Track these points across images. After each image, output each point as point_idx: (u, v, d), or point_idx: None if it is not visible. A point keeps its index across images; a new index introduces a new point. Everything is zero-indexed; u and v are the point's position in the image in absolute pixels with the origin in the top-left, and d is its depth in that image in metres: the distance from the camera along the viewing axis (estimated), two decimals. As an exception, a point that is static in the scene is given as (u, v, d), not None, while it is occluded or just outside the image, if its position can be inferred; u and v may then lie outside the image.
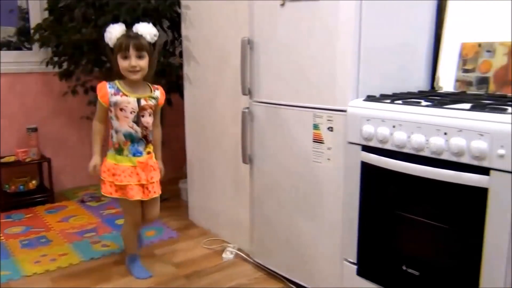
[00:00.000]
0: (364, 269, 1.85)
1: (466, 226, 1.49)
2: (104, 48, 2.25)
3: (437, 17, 2.12)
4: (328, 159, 1.95)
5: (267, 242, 2.36)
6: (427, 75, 2.14)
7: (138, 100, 2.17)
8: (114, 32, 2.13)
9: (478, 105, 1.53)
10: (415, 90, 2.03)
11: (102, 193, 2.22)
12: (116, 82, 2.16)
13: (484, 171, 1.41)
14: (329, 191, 1.97)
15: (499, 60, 1.90)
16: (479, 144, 1.40)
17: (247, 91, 2.30)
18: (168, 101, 3.47)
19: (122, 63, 2.12)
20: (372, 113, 1.73)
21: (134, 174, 2.19)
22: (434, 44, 2.13)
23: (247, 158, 2.38)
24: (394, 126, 1.65)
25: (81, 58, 3.18)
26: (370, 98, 1.81)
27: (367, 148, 1.75)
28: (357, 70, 1.83)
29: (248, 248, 2.55)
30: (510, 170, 1.36)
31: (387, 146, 1.68)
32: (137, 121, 2.18)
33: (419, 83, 2.11)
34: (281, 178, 2.20)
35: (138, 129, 2.19)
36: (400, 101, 1.72)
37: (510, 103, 1.56)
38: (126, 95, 2.14)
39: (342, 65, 1.85)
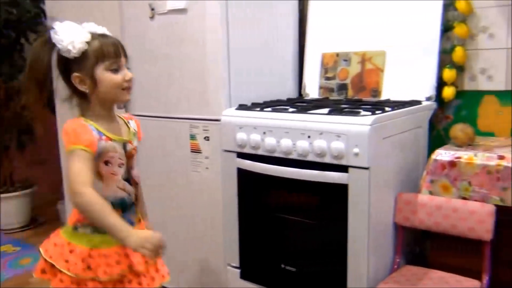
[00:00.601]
0: (246, 272, 1.91)
1: (332, 221, 1.62)
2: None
3: (299, 29, 2.28)
4: (207, 168, 1.99)
5: (152, 256, 2.32)
6: (295, 83, 2.29)
7: (124, 144, 1.38)
8: (79, 32, 1.28)
9: (336, 109, 1.68)
10: (284, 97, 2.16)
11: None
12: (87, 118, 1.32)
13: (343, 169, 1.55)
14: (209, 200, 2.01)
15: (354, 68, 2.10)
16: (337, 145, 1.54)
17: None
18: (39, 118, 3.27)
19: (112, 78, 1.31)
20: (244, 121, 1.80)
21: (123, 258, 1.33)
22: (299, 54, 2.29)
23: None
24: (264, 133, 1.74)
25: None
26: (242, 107, 1.88)
27: (241, 155, 1.82)
28: (228, 80, 1.91)
29: (134, 265, 2.49)
30: (364, 166, 1.51)
31: (260, 152, 1.77)
32: (127, 177, 1.38)
33: (288, 90, 2.25)
34: (162, 190, 2.18)
35: (131, 189, 1.39)
36: (269, 109, 1.82)
37: (363, 106, 1.74)
38: (111, 139, 1.33)
39: (214, 76, 1.91)
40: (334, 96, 2.15)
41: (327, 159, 1.58)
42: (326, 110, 1.69)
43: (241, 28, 1.93)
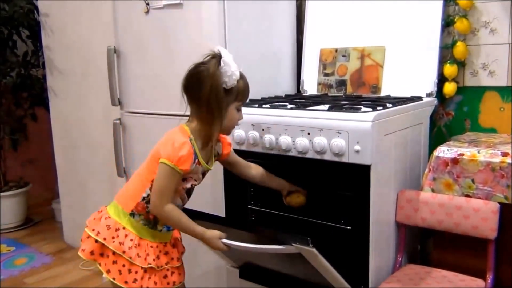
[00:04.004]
0: (245, 271, 1.88)
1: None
2: None
3: (297, 25, 2.25)
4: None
5: (149, 256, 2.29)
6: (292, 79, 2.25)
7: (203, 171, 1.50)
8: (234, 67, 1.38)
9: (336, 105, 1.65)
10: (282, 94, 2.13)
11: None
12: (192, 135, 1.41)
13: (343, 167, 1.52)
14: (209, 198, 1.97)
15: (354, 64, 2.07)
16: (338, 142, 1.51)
17: (117, 102, 2.22)
18: (32, 116, 3.23)
19: (236, 117, 1.45)
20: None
21: (162, 253, 1.48)
22: (297, 50, 2.25)
23: (121, 171, 2.28)
24: (263, 130, 1.71)
25: None
26: (239, 104, 1.85)
27: (240, 153, 1.79)
28: (225, 76, 1.87)
29: (130, 265, 2.45)
30: (366, 163, 1.48)
31: (258, 149, 1.73)
32: (190, 189, 1.51)
33: (286, 87, 2.21)
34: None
35: (186, 199, 1.52)
36: (267, 105, 1.79)
37: (364, 102, 1.71)
38: (200, 164, 1.44)
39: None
40: (333, 93, 2.12)
41: (328, 156, 1.55)
42: (325, 107, 1.66)
43: (237, 23, 1.89)
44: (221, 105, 1.37)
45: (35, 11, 2.87)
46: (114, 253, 1.39)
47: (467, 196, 1.56)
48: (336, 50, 2.12)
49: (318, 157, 1.57)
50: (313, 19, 2.21)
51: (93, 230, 1.41)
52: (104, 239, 1.39)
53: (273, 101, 1.87)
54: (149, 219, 1.44)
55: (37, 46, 3.13)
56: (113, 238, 1.39)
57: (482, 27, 1.89)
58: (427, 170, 1.65)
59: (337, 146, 1.51)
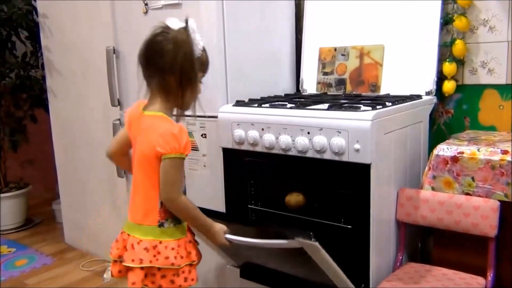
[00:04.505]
0: (246, 271, 1.88)
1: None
2: None
3: (296, 24, 2.25)
4: (204, 165, 1.96)
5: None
6: (292, 78, 2.25)
7: None
8: (199, 36, 1.35)
9: (335, 104, 1.65)
10: (281, 93, 2.13)
11: None
12: (177, 121, 1.41)
13: (343, 165, 1.52)
14: (208, 198, 1.97)
15: (353, 63, 2.07)
16: (338, 141, 1.51)
17: (117, 102, 2.21)
18: (32, 117, 3.23)
19: (199, 88, 1.41)
20: (241, 117, 1.76)
21: (192, 243, 1.48)
22: (296, 49, 2.25)
23: (121, 172, 2.28)
24: (263, 129, 1.71)
25: None
26: (239, 103, 1.85)
27: (240, 152, 1.79)
28: (225, 75, 1.87)
29: (131, 265, 2.45)
30: (366, 162, 1.48)
31: (258, 149, 1.73)
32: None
33: (286, 86, 2.21)
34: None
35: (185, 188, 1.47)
36: (267, 105, 1.79)
37: (363, 101, 1.71)
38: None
39: (210, 71, 1.84)
40: (332, 91, 2.12)
41: (328, 156, 1.55)
42: (325, 106, 1.66)
43: (236, 23, 1.89)
44: (196, 73, 1.34)
45: (34, 12, 2.87)
46: (159, 268, 1.35)
47: (467, 194, 1.57)
48: (335, 49, 2.12)
49: (318, 156, 1.57)
50: (312, 18, 2.21)
51: (133, 260, 1.34)
52: (150, 261, 1.34)
53: (273, 101, 1.87)
54: (175, 217, 1.39)
55: (36, 47, 3.13)
56: (155, 256, 1.34)
57: (481, 25, 1.89)
58: (427, 168, 1.65)
59: (337, 145, 1.51)
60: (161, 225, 1.37)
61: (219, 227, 1.42)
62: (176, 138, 1.30)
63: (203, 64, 1.39)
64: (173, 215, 1.39)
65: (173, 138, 1.30)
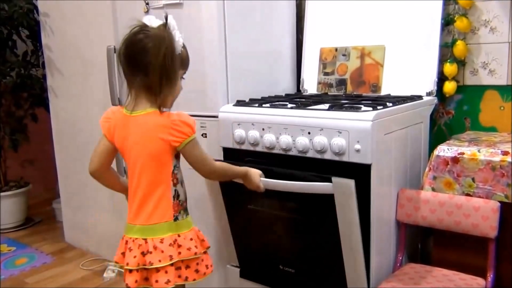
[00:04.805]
0: (246, 271, 1.89)
1: (331, 219, 1.59)
2: None
3: (297, 24, 2.25)
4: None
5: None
6: (293, 78, 2.25)
7: None
8: (178, 33, 1.36)
9: (336, 105, 1.65)
10: (282, 93, 2.12)
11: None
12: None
13: (338, 171, 1.50)
14: (208, 198, 1.97)
15: (354, 63, 2.07)
16: (339, 141, 1.51)
17: (117, 101, 2.21)
18: (33, 116, 3.23)
19: (180, 85, 1.42)
20: (242, 117, 1.77)
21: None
22: (297, 49, 2.25)
23: (122, 171, 2.28)
24: (263, 129, 1.71)
25: None
26: (239, 103, 1.85)
27: (240, 152, 1.79)
28: (225, 75, 1.87)
29: (131, 264, 2.45)
30: (366, 163, 1.48)
31: (259, 149, 1.73)
32: None
33: (286, 86, 2.21)
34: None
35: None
36: (268, 105, 1.79)
37: (364, 102, 1.71)
38: None
39: (211, 71, 1.87)
40: (333, 92, 2.12)
41: (328, 156, 1.55)
42: (326, 106, 1.66)
43: (237, 23, 1.89)
44: (176, 70, 1.34)
45: (35, 11, 2.86)
46: (182, 260, 1.37)
47: (468, 195, 1.56)
48: (336, 49, 2.12)
49: (318, 156, 1.57)
50: (313, 18, 2.21)
51: (160, 261, 1.33)
52: (179, 253, 1.36)
53: (273, 101, 1.87)
54: (185, 208, 1.44)
55: (36, 46, 3.13)
56: (177, 250, 1.36)
57: (482, 26, 1.89)
58: (427, 169, 1.65)
59: (337, 145, 1.51)
60: (176, 219, 1.39)
61: (254, 171, 1.54)
62: (184, 123, 1.33)
63: (183, 61, 1.39)
64: (184, 207, 1.43)
65: (182, 124, 1.32)
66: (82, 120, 2.61)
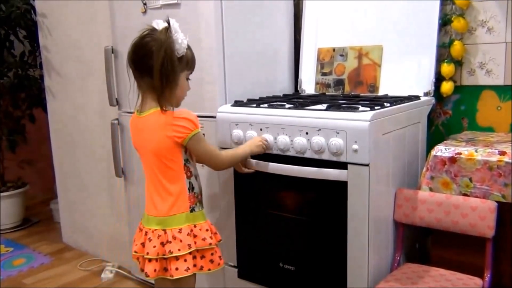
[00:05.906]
0: (244, 271, 1.88)
1: (331, 219, 1.60)
2: None
3: (295, 24, 2.25)
4: (202, 166, 1.95)
5: (147, 256, 2.29)
6: (290, 79, 2.25)
7: None
8: (182, 36, 1.42)
9: (334, 105, 1.65)
10: (280, 93, 2.13)
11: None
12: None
13: (343, 166, 1.52)
14: (206, 198, 1.97)
15: (351, 63, 2.07)
16: (336, 141, 1.51)
17: (115, 102, 2.21)
18: (30, 117, 3.23)
19: (186, 85, 1.50)
20: (240, 117, 1.77)
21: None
22: (295, 49, 2.25)
23: (119, 171, 2.28)
24: (261, 129, 1.71)
25: None
26: (237, 103, 1.85)
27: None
28: (223, 75, 1.87)
29: (129, 265, 2.45)
30: (364, 163, 1.48)
31: (257, 149, 1.73)
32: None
33: (284, 86, 2.22)
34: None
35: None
36: (265, 105, 1.79)
37: (361, 102, 1.71)
38: None
39: (208, 71, 1.87)
40: (331, 92, 2.12)
41: (326, 156, 1.55)
42: (323, 106, 1.66)
43: (235, 23, 1.89)
44: (176, 71, 1.40)
45: (32, 11, 2.86)
46: (197, 250, 1.46)
47: (465, 195, 1.57)
48: (334, 50, 2.13)
49: (316, 156, 1.57)
50: (311, 18, 2.21)
51: (179, 250, 1.42)
52: (195, 243, 1.44)
53: (271, 101, 1.87)
54: (201, 201, 1.53)
55: (34, 47, 3.12)
56: (194, 239, 1.45)
57: (479, 26, 1.89)
58: (425, 169, 1.65)
59: (335, 145, 1.51)
60: (192, 210, 1.47)
61: (253, 140, 1.65)
62: (185, 119, 1.41)
63: (188, 62, 1.46)
64: (199, 199, 1.51)
65: (184, 120, 1.41)
66: (80, 121, 2.61)
